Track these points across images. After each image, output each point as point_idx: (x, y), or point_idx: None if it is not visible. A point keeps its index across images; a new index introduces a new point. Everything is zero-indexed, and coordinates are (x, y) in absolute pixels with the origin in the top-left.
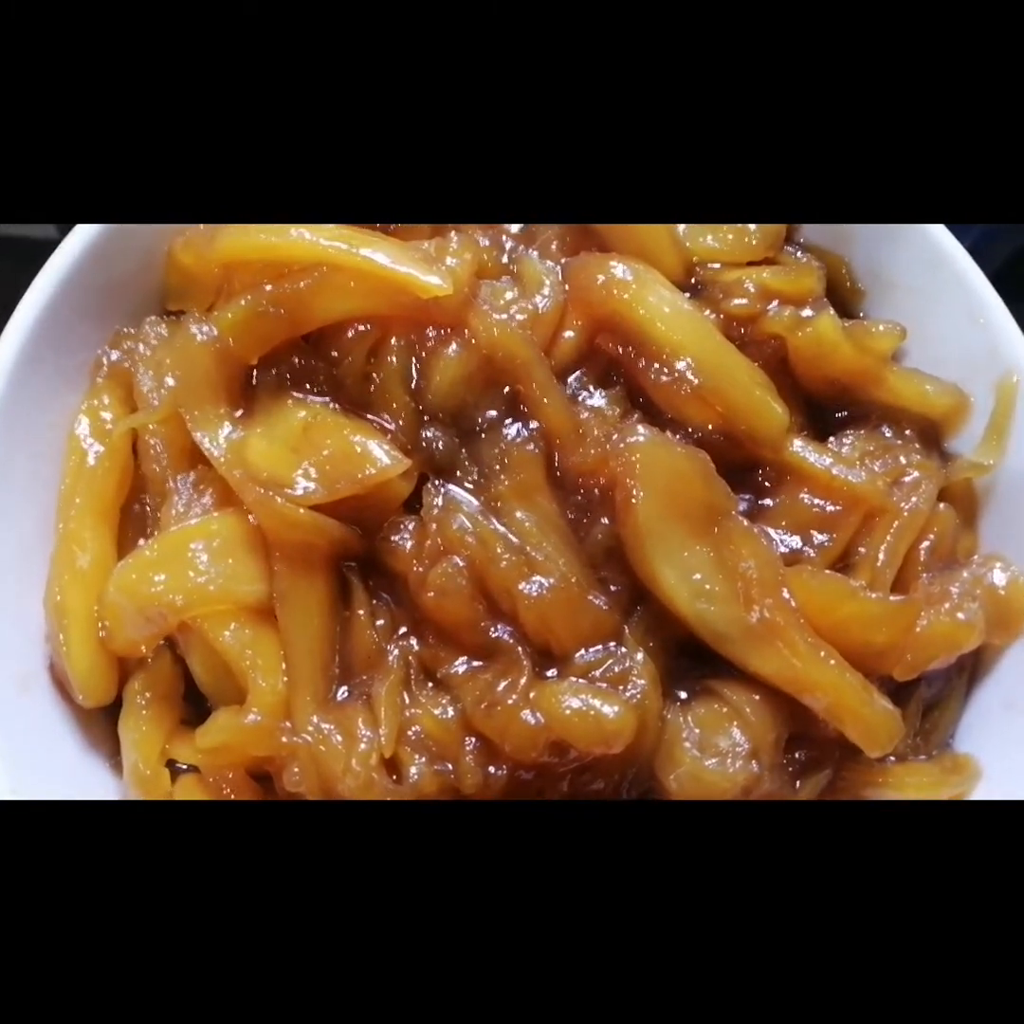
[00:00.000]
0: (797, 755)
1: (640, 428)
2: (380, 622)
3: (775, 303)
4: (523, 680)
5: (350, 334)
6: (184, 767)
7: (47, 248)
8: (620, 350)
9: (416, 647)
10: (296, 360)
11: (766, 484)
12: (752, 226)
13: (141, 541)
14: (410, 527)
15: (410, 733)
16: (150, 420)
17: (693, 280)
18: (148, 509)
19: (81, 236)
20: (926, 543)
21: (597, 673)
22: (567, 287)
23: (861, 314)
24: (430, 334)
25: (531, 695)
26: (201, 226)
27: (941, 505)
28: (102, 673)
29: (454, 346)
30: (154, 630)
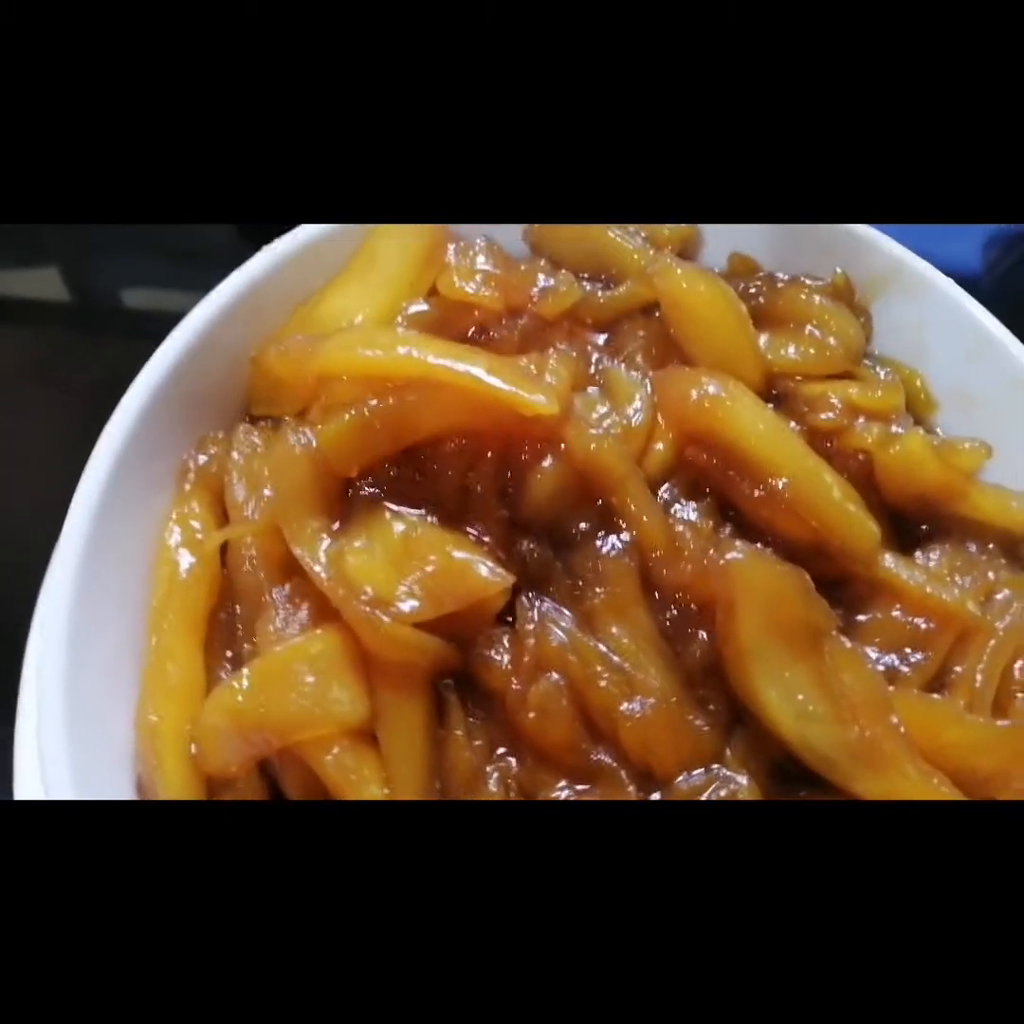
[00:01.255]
0: None
1: (738, 543)
2: (477, 742)
3: (861, 419)
4: None
5: (447, 448)
6: None
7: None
8: (711, 463)
9: (514, 768)
10: (392, 472)
11: (858, 600)
12: (832, 339)
13: (228, 652)
14: (505, 642)
15: None
16: (247, 532)
17: (774, 392)
18: (237, 620)
19: (172, 343)
20: (1020, 662)
21: (702, 797)
22: (657, 400)
23: (937, 428)
24: (525, 448)
25: None
26: (298, 337)
27: None
28: (194, 794)
29: (550, 459)
30: (252, 753)
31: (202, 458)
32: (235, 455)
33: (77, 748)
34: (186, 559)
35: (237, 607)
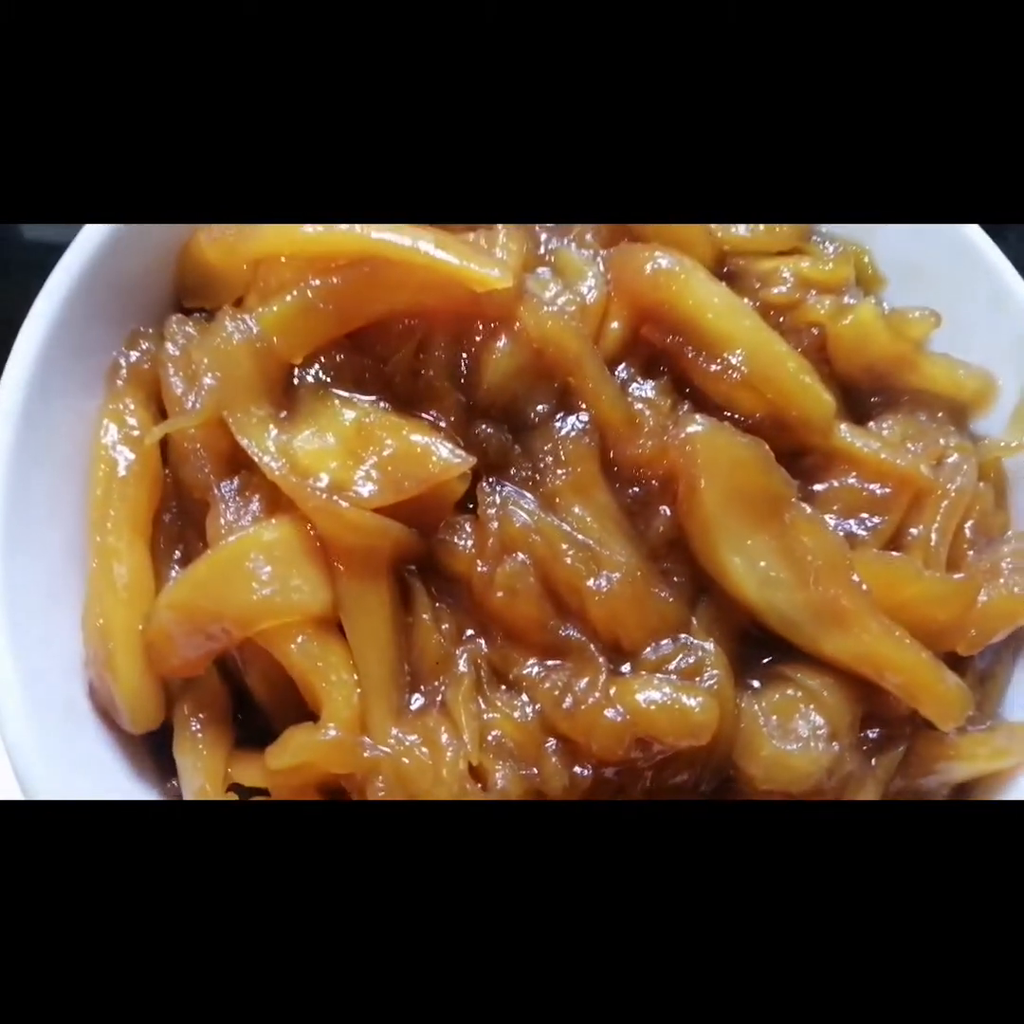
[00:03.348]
0: (870, 734)
1: (698, 417)
2: (444, 626)
3: (813, 292)
4: (602, 678)
5: (396, 330)
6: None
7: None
8: (667, 340)
9: (484, 649)
10: (338, 357)
11: (815, 469)
12: None
13: (176, 552)
14: (467, 527)
15: (489, 738)
16: (189, 424)
17: (725, 269)
18: (184, 518)
19: (90, 235)
20: (970, 521)
21: (671, 666)
22: (610, 277)
23: (884, 301)
24: (478, 328)
25: (611, 692)
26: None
27: (980, 485)
28: (150, 698)
29: (504, 340)
30: (212, 648)
31: (134, 354)
32: (169, 347)
33: (22, 654)
34: (124, 457)
35: (182, 506)
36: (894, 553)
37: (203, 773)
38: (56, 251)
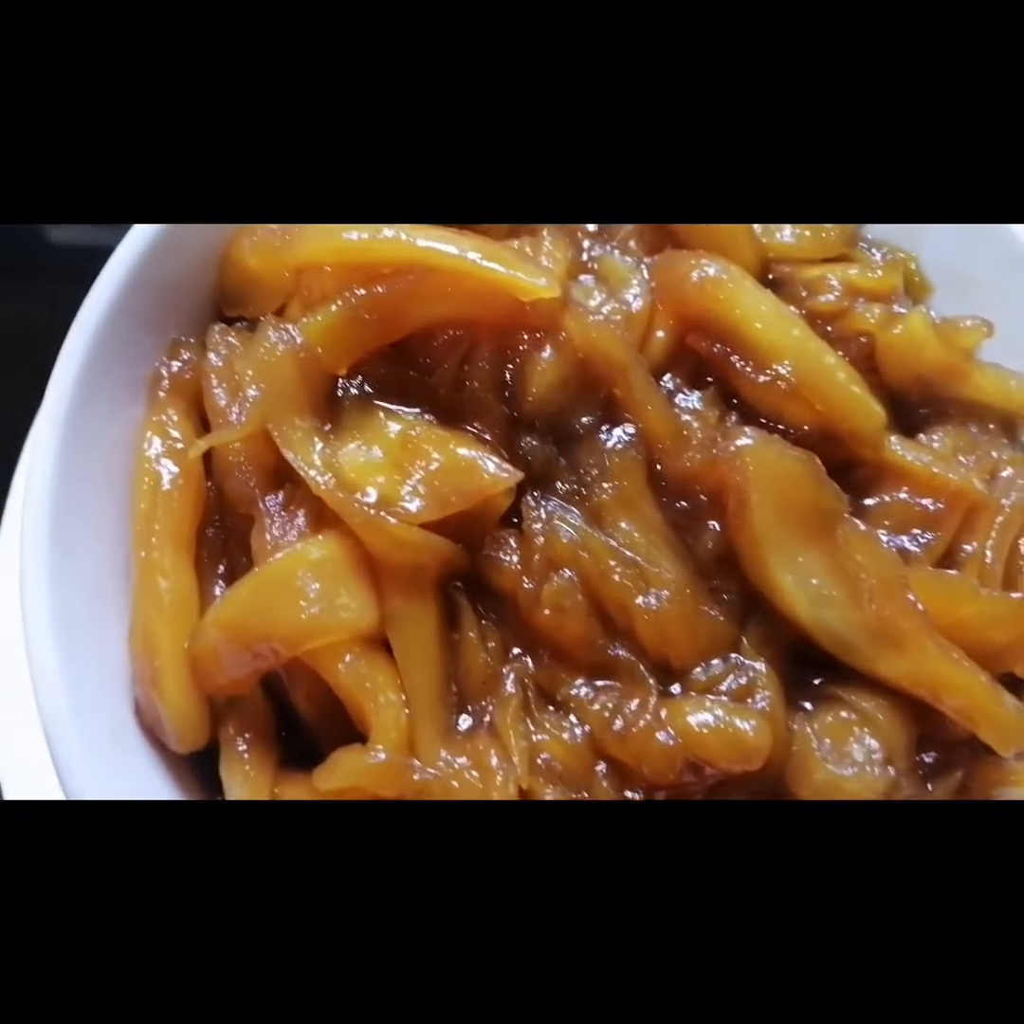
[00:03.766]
0: (926, 758)
1: (748, 430)
2: (491, 644)
3: (861, 300)
4: (652, 700)
5: (440, 341)
6: None
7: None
8: (713, 349)
9: (531, 668)
10: (383, 369)
11: (865, 483)
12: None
13: (220, 566)
14: (512, 542)
15: (539, 761)
16: (234, 438)
17: (770, 276)
18: (228, 531)
19: (132, 243)
20: None
21: (722, 687)
22: (654, 285)
23: (932, 310)
24: (523, 338)
25: (663, 714)
26: (270, 227)
27: None
28: (197, 717)
29: (549, 350)
30: (259, 667)
31: (175, 364)
32: (212, 357)
33: (70, 673)
34: (168, 470)
35: (226, 519)
36: (950, 571)
37: (249, 793)
38: (82, 254)
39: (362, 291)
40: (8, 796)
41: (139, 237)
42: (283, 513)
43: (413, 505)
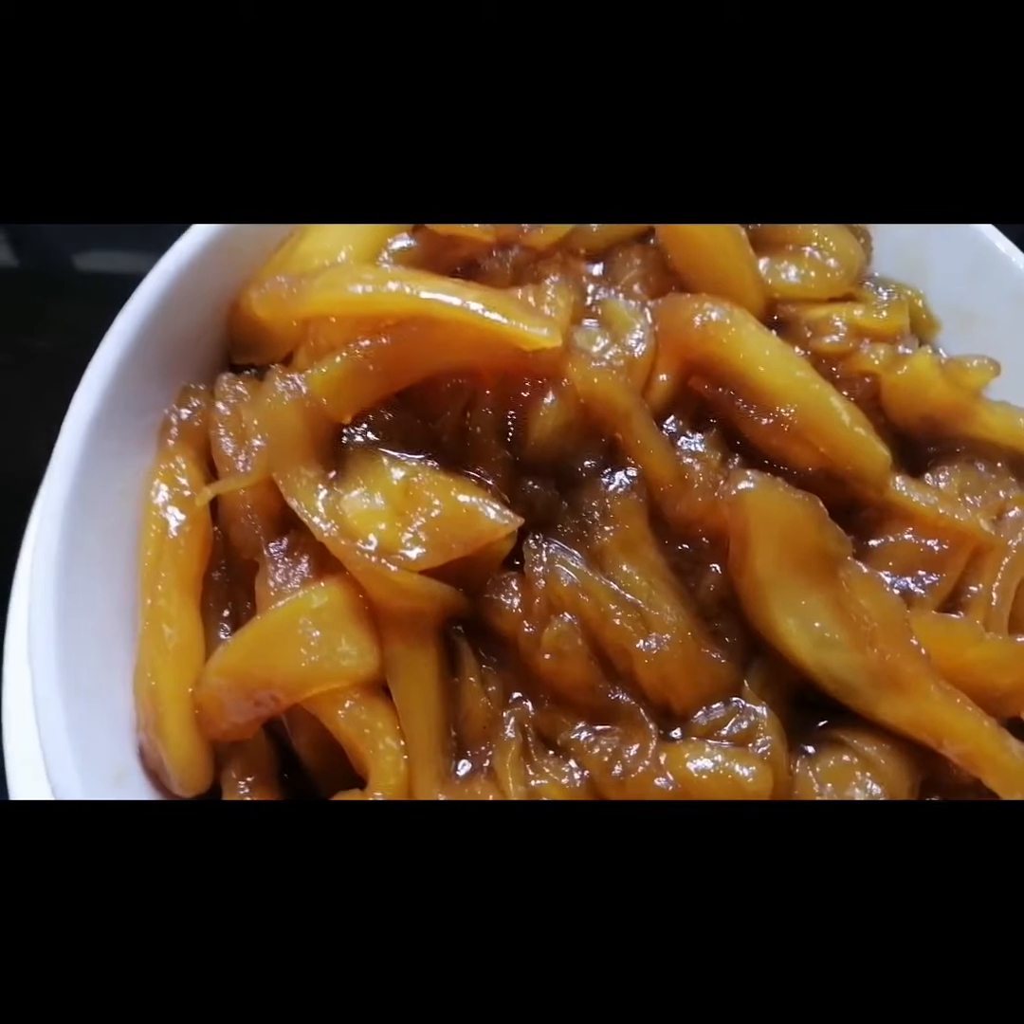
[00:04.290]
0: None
1: (750, 473)
2: (491, 688)
3: (866, 341)
4: (652, 744)
5: (444, 389)
6: None
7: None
8: (716, 392)
9: (531, 712)
10: (387, 416)
11: (870, 525)
12: (832, 261)
13: (225, 611)
14: (514, 585)
15: None
16: (240, 486)
17: (775, 317)
18: (233, 577)
19: (147, 292)
20: None
21: (723, 731)
22: (658, 329)
23: (939, 347)
24: (525, 384)
25: (662, 759)
26: (280, 278)
27: None
28: (201, 761)
29: (551, 396)
30: (261, 713)
31: (185, 412)
32: (220, 406)
33: (75, 717)
34: (175, 517)
35: (231, 565)
36: (954, 615)
37: None
38: (107, 279)
39: (367, 342)
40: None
41: (151, 288)
42: (287, 559)
43: (414, 552)
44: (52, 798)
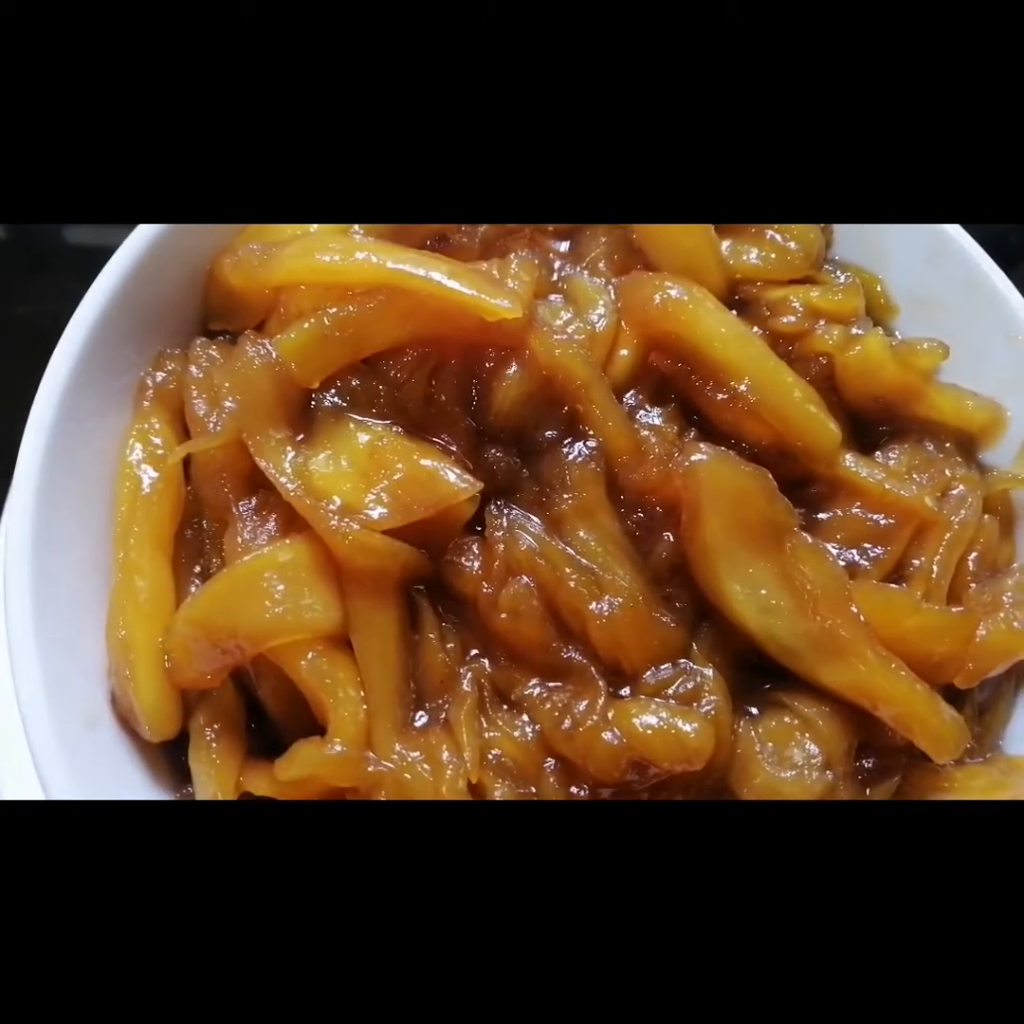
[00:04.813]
0: (865, 763)
1: (703, 446)
2: (450, 645)
3: (822, 322)
4: (601, 700)
5: (410, 357)
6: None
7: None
8: (675, 368)
9: (488, 669)
10: (354, 382)
11: (819, 499)
12: (793, 244)
13: (196, 567)
14: (475, 548)
15: (490, 756)
16: (211, 445)
17: (736, 297)
18: (205, 534)
19: (122, 258)
20: (974, 554)
21: (670, 691)
22: (620, 306)
23: (896, 331)
24: (489, 355)
25: (610, 715)
26: (251, 247)
27: (985, 517)
28: (169, 707)
29: (514, 367)
30: (227, 662)
31: (160, 374)
32: (193, 370)
33: (49, 664)
34: (149, 475)
35: (203, 522)
36: (893, 585)
37: (215, 781)
38: (95, 254)
39: (334, 309)
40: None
41: (128, 253)
42: (255, 517)
43: (376, 512)
44: (38, 789)
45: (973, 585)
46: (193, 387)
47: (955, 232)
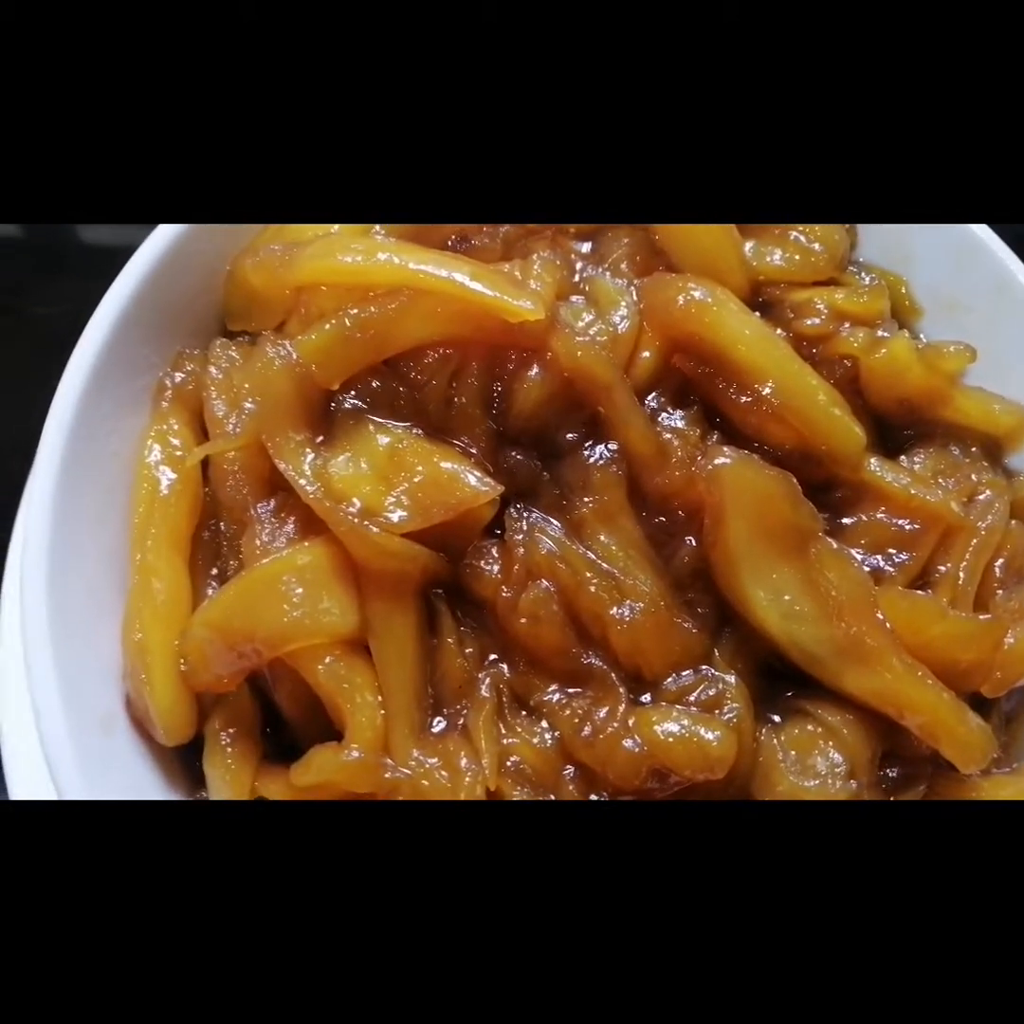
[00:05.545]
0: (890, 772)
1: (726, 449)
2: (469, 649)
3: (846, 324)
4: (621, 707)
5: (431, 358)
6: None
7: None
8: (698, 370)
9: (507, 674)
10: (375, 384)
11: (844, 503)
12: (817, 246)
13: (213, 569)
14: (494, 552)
15: (508, 763)
16: (229, 447)
17: (759, 298)
18: (222, 536)
19: (142, 258)
20: (1000, 560)
21: (691, 697)
22: (643, 307)
23: (921, 333)
24: (511, 356)
25: (630, 722)
26: (274, 246)
27: (1012, 522)
28: (184, 711)
29: (536, 369)
30: (244, 666)
31: (179, 375)
32: (213, 370)
33: (64, 665)
34: (167, 476)
35: (220, 524)
36: (919, 592)
37: (230, 786)
38: (111, 253)
39: (356, 310)
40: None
41: (148, 253)
42: (273, 520)
43: (396, 515)
44: (48, 783)
45: (1000, 591)
46: (212, 388)
47: (982, 232)
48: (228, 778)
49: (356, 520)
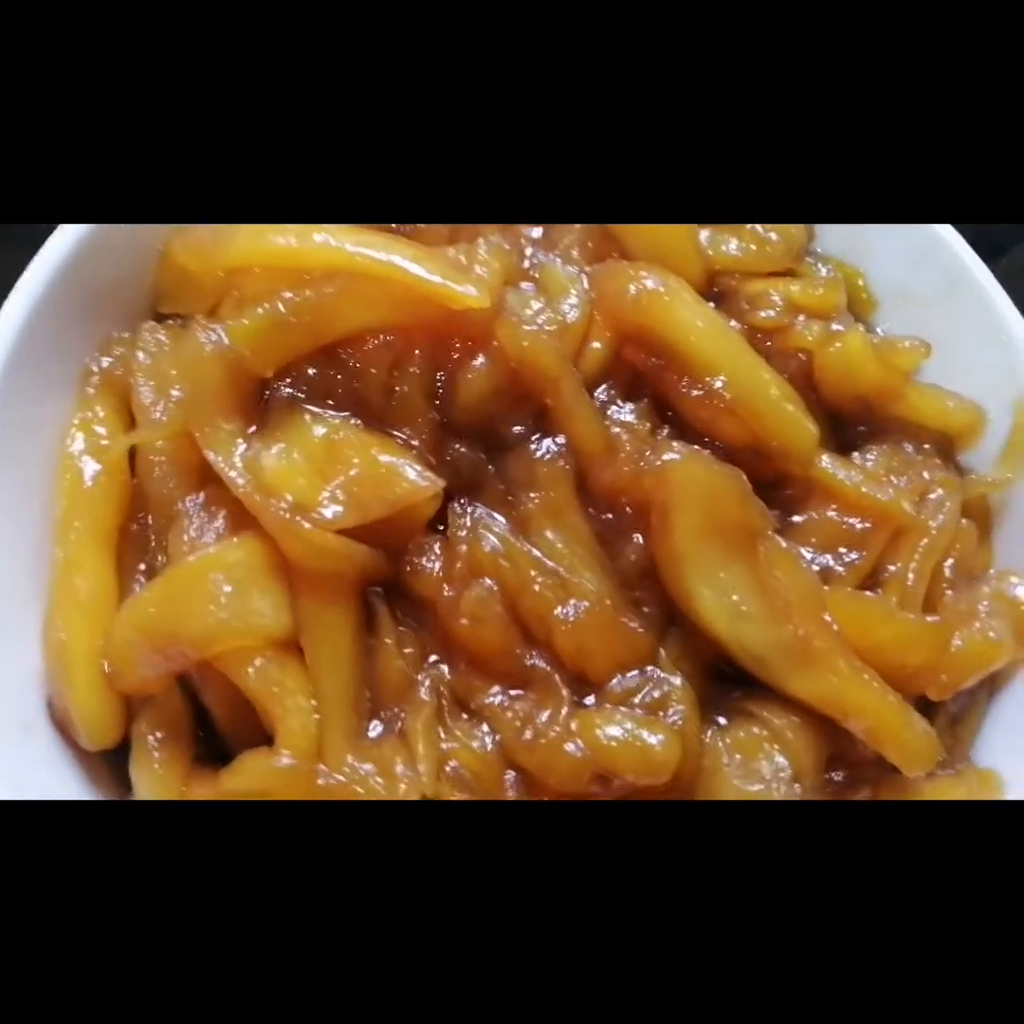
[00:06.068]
0: (835, 776)
1: (675, 445)
2: (408, 650)
3: (801, 317)
4: (563, 710)
5: (371, 345)
6: None
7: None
8: (649, 362)
9: (447, 675)
10: (311, 372)
11: (794, 501)
12: (774, 236)
13: (141, 565)
14: (436, 549)
15: (448, 768)
16: (155, 437)
17: (714, 289)
18: (150, 530)
19: (67, 235)
20: (950, 560)
21: (636, 699)
22: (594, 296)
23: (877, 327)
24: (455, 345)
25: (573, 726)
26: (204, 227)
27: (964, 521)
28: (109, 714)
29: (481, 358)
30: (170, 668)
31: (106, 360)
32: (141, 355)
33: None
34: (91, 467)
35: (149, 518)
36: (868, 593)
37: (158, 791)
38: (41, 228)
39: (290, 294)
40: None
41: (74, 228)
42: (203, 514)
43: (331, 511)
44: None
45: (949, 592)
46: (140, 374)
47: (941, 229)
48: (155, 783)
49: (289, 515)
